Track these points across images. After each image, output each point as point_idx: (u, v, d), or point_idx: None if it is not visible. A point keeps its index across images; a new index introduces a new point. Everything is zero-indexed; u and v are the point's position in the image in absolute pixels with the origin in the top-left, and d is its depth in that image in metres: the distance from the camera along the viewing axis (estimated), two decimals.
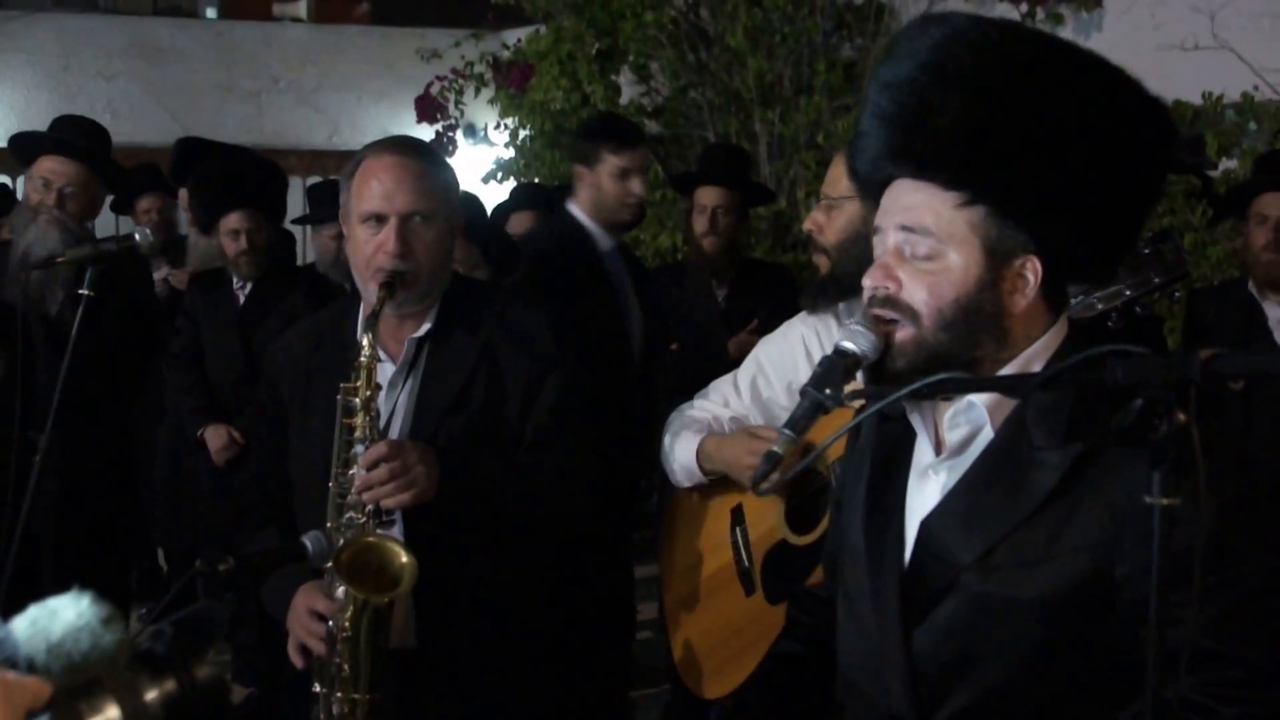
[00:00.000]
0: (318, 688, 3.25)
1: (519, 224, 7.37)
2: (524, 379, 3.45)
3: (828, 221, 3.58)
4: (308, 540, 3.13)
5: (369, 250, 3.34)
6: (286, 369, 3.59)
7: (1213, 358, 1.85)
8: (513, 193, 8.09)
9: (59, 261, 4.94)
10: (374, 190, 3.35)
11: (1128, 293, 3.90)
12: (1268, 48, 7.30)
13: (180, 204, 7.61)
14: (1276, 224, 5.51)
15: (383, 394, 3.37)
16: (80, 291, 4.41)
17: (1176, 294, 4.69)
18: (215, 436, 6.53)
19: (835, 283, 3.50)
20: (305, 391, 3.51)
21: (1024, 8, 8.46)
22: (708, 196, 6.45)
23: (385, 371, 3.43)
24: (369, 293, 3.38)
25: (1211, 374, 1.84)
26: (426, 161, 3.43)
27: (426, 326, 3.45)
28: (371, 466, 3.17)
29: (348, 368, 3.33)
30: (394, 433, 3.38)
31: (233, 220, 6.36)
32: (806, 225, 3.66)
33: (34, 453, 4.46)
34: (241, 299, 6.54)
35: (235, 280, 6.54)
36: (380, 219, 3.34)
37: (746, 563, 3.77)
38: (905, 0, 9.22)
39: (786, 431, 2.28)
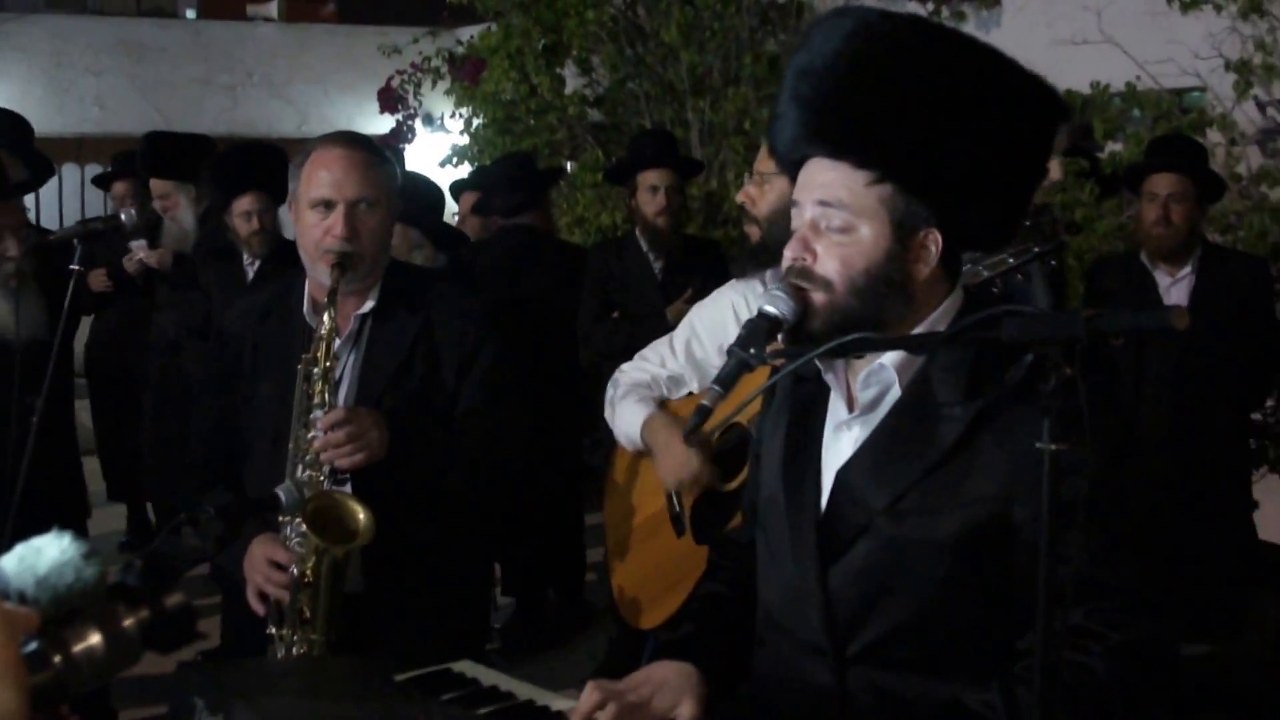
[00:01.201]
0: (272, 630, 3.28)
1: (466, 202, 7.37)
2: (458, 352, 3.48)
3: (759, 195, 3.59)
4: (280, 492, 3.16)
5: (317, 233, 3.36)
6: (235, 338, 3.60)
7: (1095, 315, 1.86)
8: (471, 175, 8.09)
9: (51, 239, 4.91)
10: (323, 179, 3.36)
11: (1010, 260, 3.93)
12: (1149, 42, 7.34)
13: (154, 191, 7.53)
14: (1164, 201, 5.57)
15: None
16: (71, 267, 4.38)
17: (1054, 261, 4.72)
18: None
19: (765, 250, 3.51)
20: (253, 360, 3.53)
21: (930, 6, 8.48)
22: (656, 178, 6.44)
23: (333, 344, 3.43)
24: (317, 272, 3.40)
25: (1095, 330, 1.85)
26: (371, 154, 3.44)
27: (370, 304, 3.47)
28: (330, 430, 3.20)
29: (292, 340, 3.39)
30: (341, 399, 3.39)
31: (245, 203, 6.31)
32: (739, 198, 3.68)
33: (31, 415, 4.43)
34: (251, 274, 6.50)
35: (246, 257, 6.50)
36: (329, 205, 3.35)
37: (678, 507, 3.79)
38: None
39: (715, 387, 2.29)
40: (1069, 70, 6.79)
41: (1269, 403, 6.38)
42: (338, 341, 3.41)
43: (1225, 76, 7.04)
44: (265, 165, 6.52)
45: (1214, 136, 7.16)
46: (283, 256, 6.45)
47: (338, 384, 3.38)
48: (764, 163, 3.57)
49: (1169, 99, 7.33)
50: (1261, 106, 7.09)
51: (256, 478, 3.44)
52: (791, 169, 2.37)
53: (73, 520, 5.68)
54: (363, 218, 3.36)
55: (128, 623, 1.56)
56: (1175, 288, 5.64)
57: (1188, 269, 5.65)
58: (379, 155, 3.48)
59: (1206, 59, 7.08)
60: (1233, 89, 7.03)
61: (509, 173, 7.15)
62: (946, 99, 2.21)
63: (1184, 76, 7.25)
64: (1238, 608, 5.50)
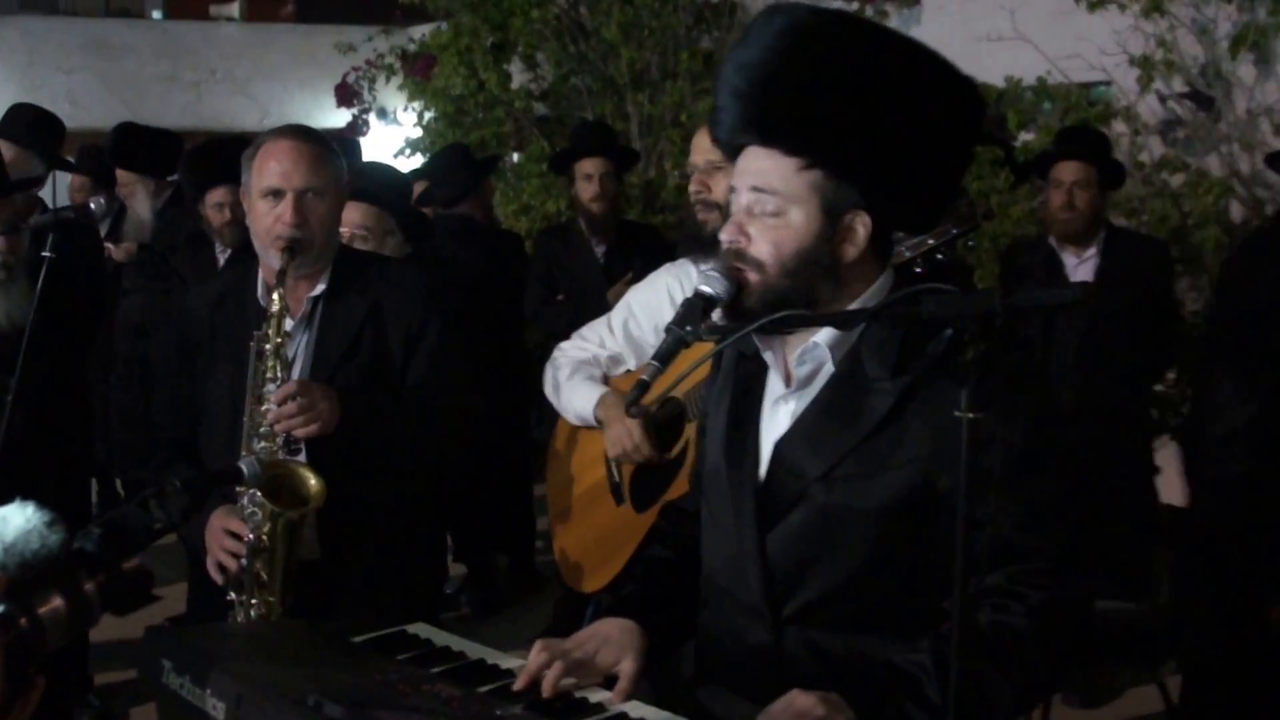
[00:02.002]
0: (233, 595, 3.27)
1: (415, 193, 7.36)
2: (405, 330, 3.48)
3: (714, 183, 3.58)
4: (243, 464, 3.12)
5: (269, 221, 3.35)
6: (193, 321, 3.59)
7: (1009, 292, 1.87)
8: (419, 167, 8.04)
9: (23, 227, 4.84)
10: (272, 169, 3.35)
11: (930, 242, 3.95)
12: (1059, 39, 7.39)
13: (125, 182, 7.46)
14: (1070, 188, 5.62)
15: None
16: (43, 254, 4.34)
17: (971, 243, 4.75)
18: None
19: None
20: (210, 343, 3.52)
21: (855, 5, 8.50)
22: (591, 166, 6.44)
23: (286, 326, 3.42)
24: (269, 257, 3.39)
25: (1009, 306, 1.86)
26: (318, 147, 3.43)
27: (321, 287, 3.46)
28: (283, 402, 3.21)
29: (248, 322, 3.38)
30: (295, 376, 3.39)
31: (218, 194, 6.24)
32: (694, 187, 3.65)
33: (5, 393, 4.38)
34: (222, 261, 6.44)
35: (218, 246, 6.44)
36: (278, 194, 3.34)
37: (617, 477, 3.79)
38: None
39: (654, 363, 2.29)
40: (985, 65, 6.81)
41: (1169, 375, 6.45)
42: (290, 322, 3.40)
43: (1129, 71, 7.10)
44: (238, 159, 6.47)
45: (1119, 127, 7.22)
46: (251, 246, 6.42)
47: (291, 363, 3.38)
48: (712, 152, 3.56)
49: (1077, 92, 7.39)
50: (1163, 99, 7.16)
51: (215, 452, 3.43)
52: (733, 156, 2.37)
53: (74, 492, 5.64)
54: (311, 205, 3.35)
55: (88, 586, 1.56)
56: (1081, 268, 5.69)
57: (1093, 250, 5.70)
58: (326, 147, 3.47)
59: (1112, 55, 7.13)
60: (1136, 83, 7.09)
61: (446, 164, 7.13)
62: (872, 90, 2.21)
63: (1091, 71, 7.30)
64: (1142, 566, 5.55)
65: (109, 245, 7.38)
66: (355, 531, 3.40)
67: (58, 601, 1.52)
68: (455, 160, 7.19)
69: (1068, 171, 5.65)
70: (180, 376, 3.60)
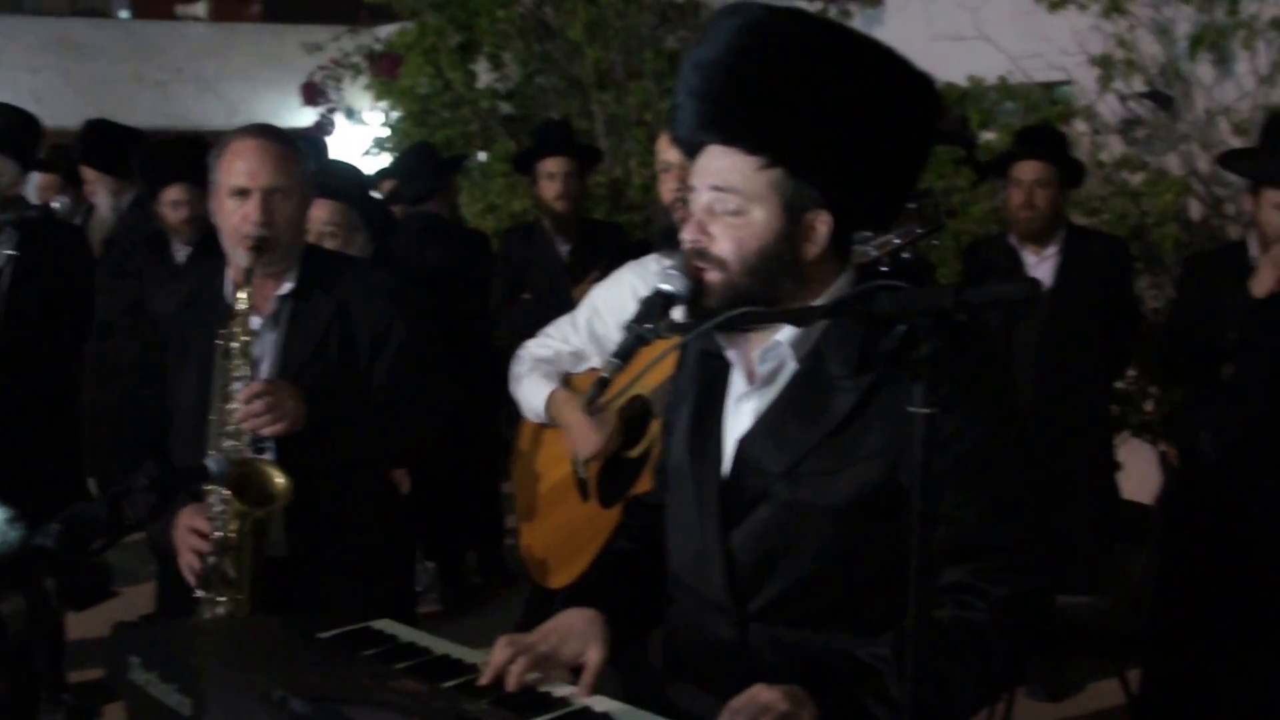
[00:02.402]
0: (200, 593, 3.28)
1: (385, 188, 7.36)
2: (372, 329, 3.50)
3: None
4: (210, 462, 3.15)
5: (235, 219, 3.37)
6: (162, 319, 3.60)
7: (963, 288, 1.89)
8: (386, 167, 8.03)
9: None
10: (239, 168, 3.37)
11: (896, 240, 3.97)
12: (1020, 39, 7.42)
13: (88, 180, 7.44)
14: (1030, 186, 5.64)
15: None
16: (6, 252, 4.34)
17: (936, 241, 4.77)
18: None
19: None
20: (180, 342, 3.53)
21: (818, 4, 8.52)
22: (554, 165, 6.45)
23: (253, 323, 3.43)
24: (237, 256, 3.40)
25: (963, 302, 1.88)
26: (284, 146, 3.45)
27: (289, 285, 3.48)
28: (250, 401, 3.22)
29: (216, 322, 3.38)
30: (262, 374, 3.40)
31: (173, 192, 6.23)
32: (673, 184, 3.64)
33: None
34: (180, 259, 6.42)
35: (175, 244, 6.42)
36: (245, 193, 3.36)
37: (582, 474, 3.81)
38: None
39: (614, 359, 2.30)
40: (947, 65, 6.83)
41: (1130, 372, 6.49)
42: (258, 320, 3.42)
43: (1090, 71, 7.14)
44: (193, 157, 6.45)
45: (1079, 126, 7.26)
46: (212, 243, 6.39)
47: (259, 361, 3.39)
48: (674, 152, 3.56)
49: (1038, 91, 7.43)
50: (1123, 98, 7.19)
51: (183, 451, 3.44)
52: (692, 155, 2.38)
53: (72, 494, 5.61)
54: (277, 204, 3.37)
55: (48, 583, 1.56)
56: (1041, 266, 5.71)
57: (1053, 249, 5.72)
58: (292, 146, 3.48)
59: (1072, 55, 7.17)
60: (1097, 82, 7.12)
61: (412, 163, 7.14)
62: (830, 88, 2.22)
63: (1052, 71, 7.34)
64: (1104, 562, 5.60)
65: None
66: (323, 529, 3.41)
67: (18, 598, 1.52)
68: (422, 159, 7.20)
69: (1028, 170, 5.67)
70: (148, 375, 3.61)
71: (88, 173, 7.32)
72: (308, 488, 3.26)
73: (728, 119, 2.27)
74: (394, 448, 3.61)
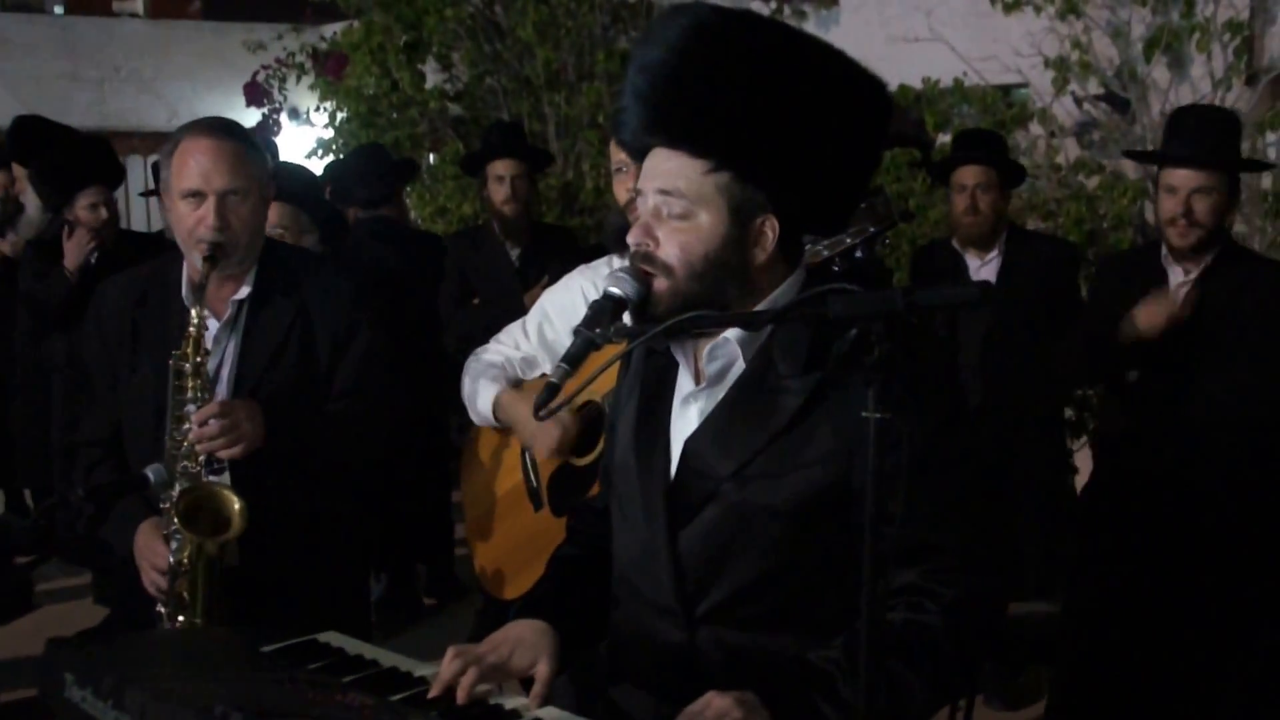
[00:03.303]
0: (161, 609, 3.26)
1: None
2: (332, 336, 3.44)
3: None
4: (149, 472, 3.12)
5: (190, 223, 3.28)
6: (112, 317, 3.51)
7: (912, 291, 1.91)
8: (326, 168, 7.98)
9: None
10: (192, 169, 3.27)
11: (848, 240, 4.00)
12: (975, 40, 7.48)
13: (17, 177, 7.37)
14: (972, 192, 5.68)
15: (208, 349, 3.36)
16: None
17: (887, 240, 4.80)
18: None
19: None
20: (131, 344, 3.45)
21: (772, 5, 8.56)
22: (503, 168, 6.43)
23: (210, 326, 3.38)
24: (193, 258, 3.32)
25: (911, 305, 1.91)
26: (239, 142, 3.35)
27: (246, 289, 3.41)
28: (204, 423, 3.18)
29: (171, 324, 3.33)
30: (220, 383, 3.36)
31: (91, 194, 6.20)
32: (629, 188, 3.62)
33: None
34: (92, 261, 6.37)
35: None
36: (199, 195, 3.27)
37: (535, 483, 3.81)
38: None
39: (563, 365, 2.31)
40: (902, 66, 6.89)
41: None
42: (215, 326, 3.38)
43: (1045, 73, 7.20)
44: (100, 156, 6.43)
45: (1035, 129, 7.33)
46: (129, 244, 6.36)
47: (218, 369, 3.35)
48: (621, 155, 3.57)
49: (994, 94, 7.48)
50: (1078, 101, 7.27)
51: (139, 456, 3.37)
52: (639, 158, 2.39)
53: None
54: (233, 207, 3.29)
55: None
56: (984, 270, 5.75)
57: (995, 253, 5.77)
58: (248, 143, 3.39)
59: (1027, 57, 7.23)
60: (1052, 85, 7.19)
61: (367, 165, 7.09)
62: (778, 90, 2.23)
63: (1007, 73, 7.40)
64: (1058, 567, 5.64)
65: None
66: (276, 541, 3.35)
67: None
68: (376, 161, 7.16)
69: (969, 175, 5.71)
70: (103, 376, 3.53)
71: (18, 170, 7.26)
72: (263, 498, 3.23)
73: (673, 121, 2.28)
74: (351, 457, 3.55)
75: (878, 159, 2.43)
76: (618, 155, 3.62)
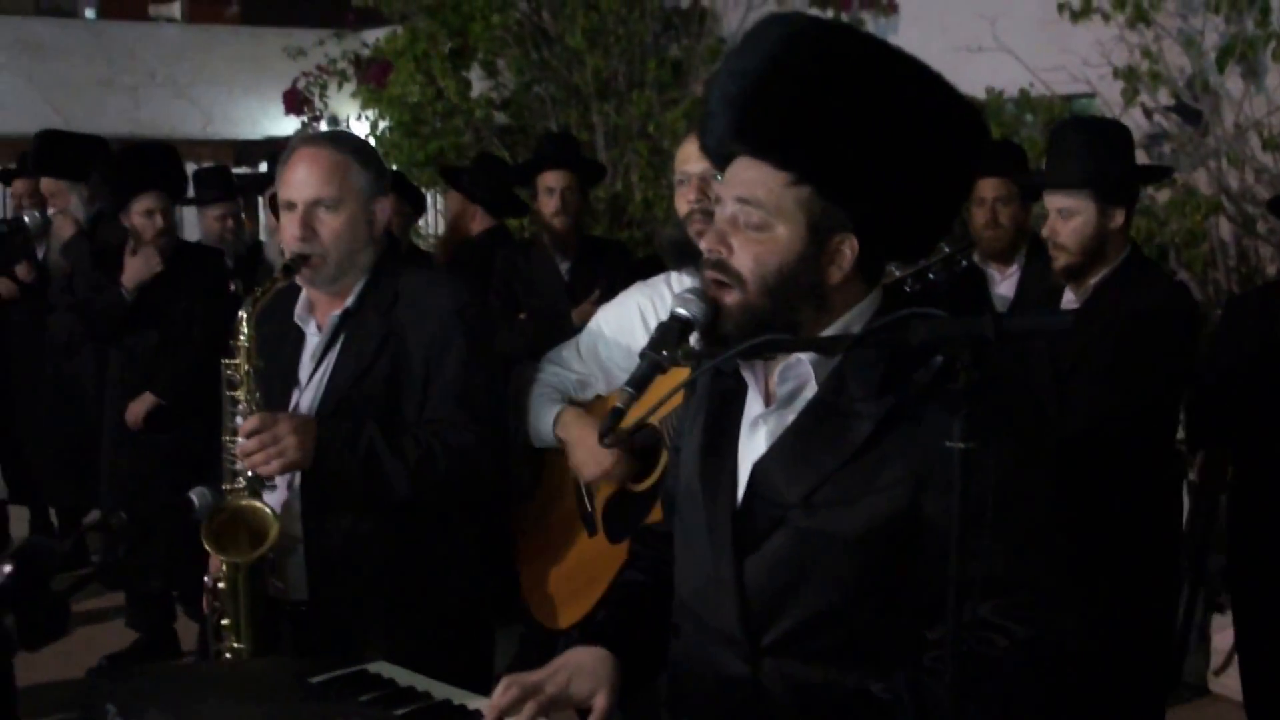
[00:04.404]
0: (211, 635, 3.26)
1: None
2: (425, 348, 3.36)
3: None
4: (194, 495, 3.09)
5: (285, 235, 3.31)
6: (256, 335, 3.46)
7: (1001, 318, 1.88)
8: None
9: None
10: (288, 179, 3.30)
11: (922, 261, 3.98)
12: (1041, 50, 7.44)
13: (44, 190, 7.42)
14: (992, 204, 5.64)
15: (306, 365, 3.39)
16: None
17: (964, 262, 4.78)
18: (139, 403, 6.36)
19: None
20: (259, 360, 3.36)
21: (830, 13, 8.54)
22: (554, 179, 6.43)
23: (313, 344, 3.41)
24: None
25: (1002, 332, 1.88)
26: (340, 152, 3.34)
27: (347, 304, 3.39)
28: (246, 437, 3.16)
29: (284, 340, 3.36)
30: (306, 401, 3.35)
31: (146, 201, 6.23)
32: (692, 196, 3.55)
33: None
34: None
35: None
36: (290, 206, 3.29)
37: (589, 508, 3.79)
38: (726, 5, 9.28)
39: (628, 389, 2.30)
40: (964, 76, 6.78)
41: None
42: (316, 342, 3.38)
43: (1114, 84, 7.15)
44: (162, 164, 6.46)
45: None
46: (185, 256, 6.39)
47: (308, 384, 3.36)
48: (697, 163, 3.53)
49: (1060, 105, 7.44)
50: (1148, 112, 7.21)
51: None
52: (722, 165, 2.38)
53: None
54: (321, 219, 3.29)
55: (7, 620, 1.56)
56: (1005, 284, 5.71)
57: (1015, 266, 5.73)
58: (351, 153, 3.37)
59: (1096, 66, 7.18)
60: (1121, 95, 7.14)
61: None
62: (869, 108, 2.21)
63: (1075, 83, 7.35)
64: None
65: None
66: (346, 570, 3.31)
67: None
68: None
69: (989, 188, 5.66)
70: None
71: (51, 184, 7.28)
72: (332, 525, 3.23)
73: (759, 130, 2.27)
74: (439, 487, 3.35)
75: (968, 187, 2.40)
76: (683, 165, 3.59)
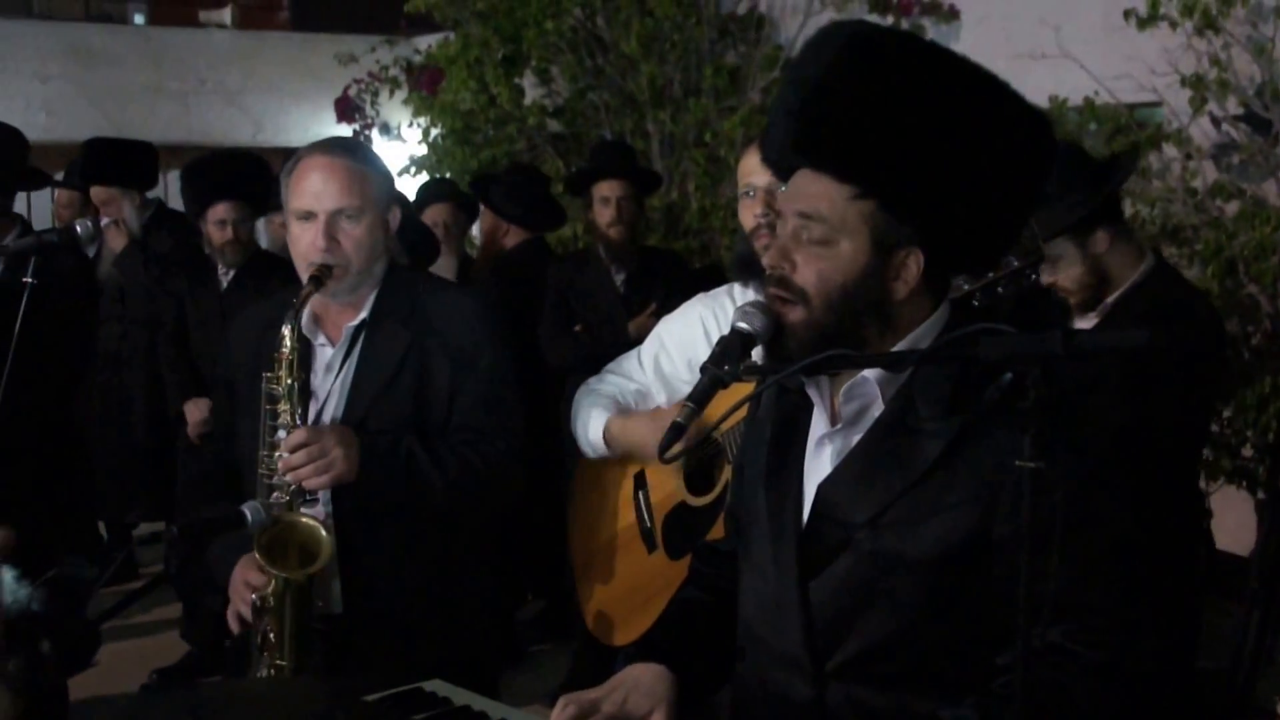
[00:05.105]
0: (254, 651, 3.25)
1: (435, 215, 7.34)
2: (449, 367, 3.40)
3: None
4: (246, 509, 3.11)
5: (302, 245, 3.31)
6: (239, 347, 3.55)
7: (1072, 334, 1.87)
8: (426, 187, 8.02)
9: (2, 253, 4.88)
10: (305, 188, 3.31)
11: (990, 274, 3.95)
12: (1106, 57, 7.38)
13: (95, 199, 7.47)
14: None
15: (320, 378, 3.39)
16: (25, 279, 4.33)
17: (1034, 275, 4.74)
18: (194, 409, 6.45)
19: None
20: (253, 372, 3.43)
21: (890, 19, 8.51)
22: (609, 189, 6.43)
23: (325, 355, 3.41)
24: (305, 281, 3.32)
25: (1072, 349, 1.87)
26: (356, 161, 3.36)
27: (362, 315, 3.41)
28: (292, 451, 3.18)
29: (291, 353, 3.31)
30: (327, 414, 3.36)
31: (220, 211, 6.29)
32: (758, 210, 3.52)
33: None
34: (225, 284, 6.47)
35: (220, 267, 6.47)
36: (310, 216, 3.30)
37: (649, 523, 3.79)
38: (783, 11, 9.27)
39: (689, 404, 2.30)
40: (1027, 84, 6.71)
41: (1225, 413, 6.42)
42: (330, 354, 3.40)
43: (1181, 92, 7.09)
44: (241, 173, 6.51)
45: (1170, 151, 7.21)
46: (258, 267, 6.43)
47: (327, 397, 3.37)
48: (763, 175, 3.52)
49: (1126, 113, 7.38)
50: (1216, 122, 7.14)
51: (254, 489, 3.35)
52: (784, 177, 2.37)
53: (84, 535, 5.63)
54: (344, 228, 3.31)
55: (44, 645, 1.58)
56: None
57: None
58: (366, 162, 3.40)
59: (1162, 74, 7.12)
60: (1188, 104, 7.07)
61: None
62: (933, 117, 2.20)
63: (1141, 92, 7.29)
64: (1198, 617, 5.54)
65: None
66: (380, 584, 3.34)
67: (18, 659, 1.53)
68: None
69: None
70: (226, 405, 3.57)
71: (102, 192, 7.31)
72: (366, 539, 3.23)
73: (821, 142, 2.26)
74: (470, 499, 3.43)
75: (1037, 199, 2.38)
76: (748, 177, 3.57)
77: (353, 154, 3.39)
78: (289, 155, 3.50)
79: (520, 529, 6.58)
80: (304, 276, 3.32)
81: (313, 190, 3.30)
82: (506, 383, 3.47)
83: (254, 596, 3.17)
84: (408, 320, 3.41)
